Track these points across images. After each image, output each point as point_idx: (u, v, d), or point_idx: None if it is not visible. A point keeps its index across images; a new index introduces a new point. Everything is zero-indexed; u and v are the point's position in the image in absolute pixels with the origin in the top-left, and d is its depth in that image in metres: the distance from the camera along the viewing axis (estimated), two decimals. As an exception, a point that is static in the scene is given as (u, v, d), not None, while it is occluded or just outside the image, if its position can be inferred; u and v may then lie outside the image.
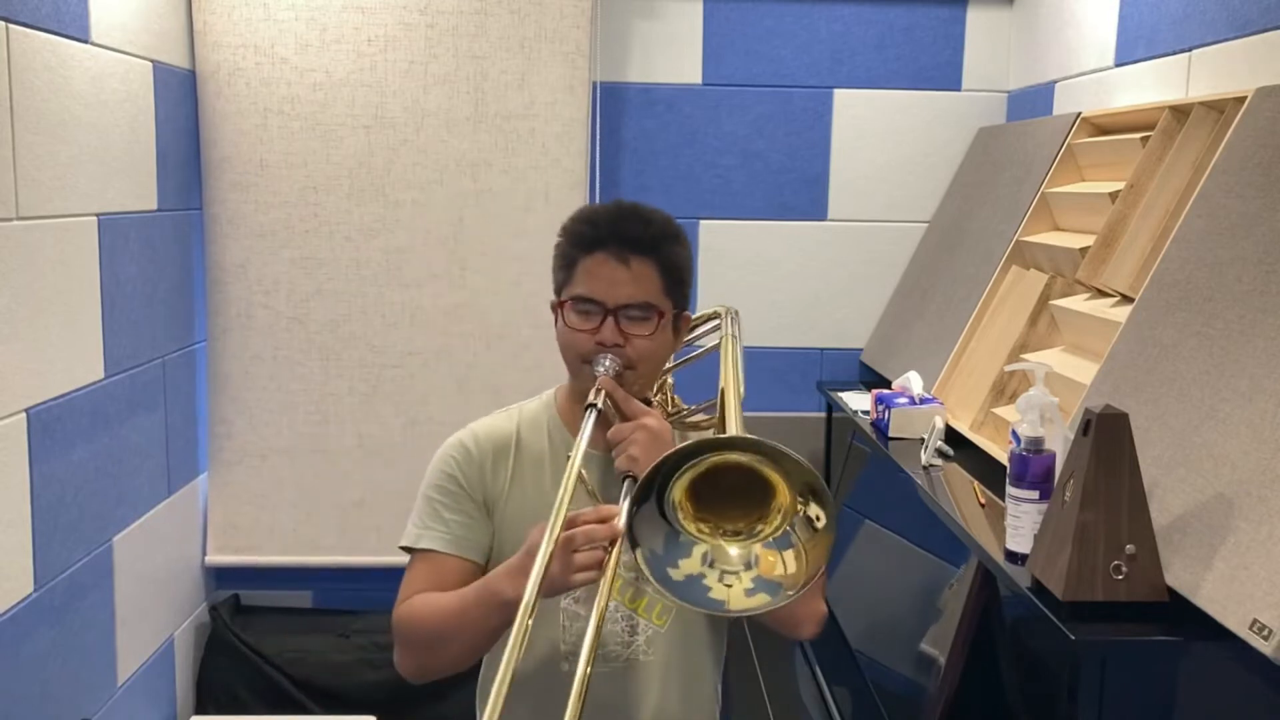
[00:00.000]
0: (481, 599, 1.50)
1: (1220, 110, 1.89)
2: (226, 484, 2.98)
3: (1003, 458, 1.91)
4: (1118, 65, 2.40)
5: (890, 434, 2.35)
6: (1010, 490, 1.60)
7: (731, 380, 1.62)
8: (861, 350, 3.18)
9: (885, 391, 2.45)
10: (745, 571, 1.32)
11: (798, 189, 3.14)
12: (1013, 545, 1.60)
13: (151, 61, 2.60)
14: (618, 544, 1.37)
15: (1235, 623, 1.30)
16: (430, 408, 3.00)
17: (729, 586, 1.31)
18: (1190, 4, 2.10)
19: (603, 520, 1.40)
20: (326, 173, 2.92)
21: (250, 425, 2.97)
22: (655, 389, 1.75)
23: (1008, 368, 2.15)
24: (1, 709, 1.99)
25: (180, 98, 2.79)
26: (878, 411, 2.42)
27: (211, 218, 2.91)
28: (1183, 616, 1.40)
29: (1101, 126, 2.38)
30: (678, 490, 1.31)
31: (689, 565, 1.31)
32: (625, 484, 1.47)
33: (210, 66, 2.86)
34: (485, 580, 1.53)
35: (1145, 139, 2.06)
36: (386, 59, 2.89)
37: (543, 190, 2.96)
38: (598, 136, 3.05)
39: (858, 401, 2.72)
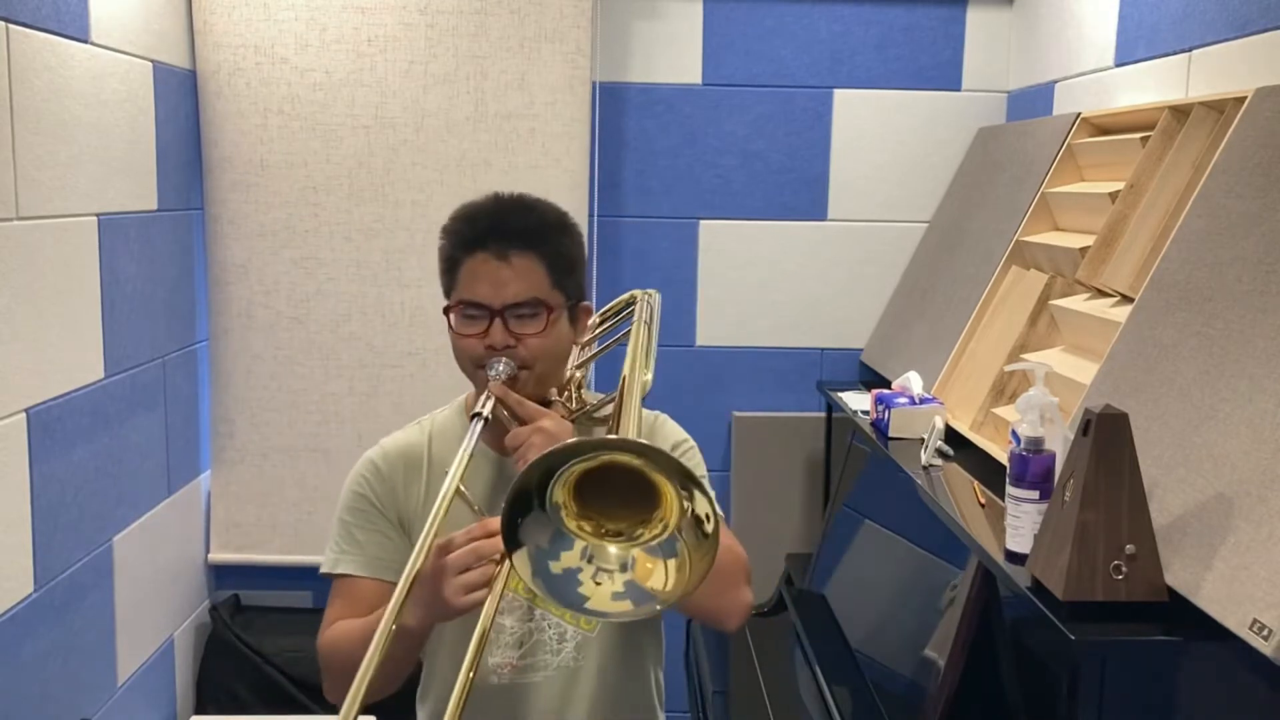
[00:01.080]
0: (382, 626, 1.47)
1: (1220, 110, 1.89)
2: (228, 483, 2.99)
3: (1003, 458, 1.91)
4: (1118, 65, 2.40)
5: (890, 434, 2.34)
6: (1010, 490, 1.60)
7: (634, 371, 1.55)
8: (861, 350, 3.18)
9: (885, 391, 2.45)
10: (619, 573, 1.27)
11: (798, 189, 3.14)
12: (1013, 545, 1.60)
13: (151, 61, 2.60)
14: (504, 558, 1.33)
15: (1235, 623, 1.30)
16: (430, 408, 2.97)
17: (598, 584, 1.27)
18: (1190, 4, 2.10)
19: (488, 534, 1.37)
20: (327, 173, 2.92)
21: (251, 424, 2.97)
22: (562, 385, 1.70)
23: (1008, 368, 2.15)
24: (1, 709, 1.99)
25: (180, 98, 2.79)
26: (878, 411, 2.42)
27: (212, 218, 2.92)
28: (1183, 616, 1.40)
29: (1101, 126, 2.38)
30: (560, 490, 1.26)
31: (569, 558, 1.27)
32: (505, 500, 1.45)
33: (210, 66, 2.86)
34: (379, 610, 1.48)
35: (1145, 139, 2.06)
36: (386, 59, 2.89)
37: (543, 190, 2.89)
38: (598, 136, 3.05)
39: (858, 401, 2.72)
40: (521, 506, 1.25)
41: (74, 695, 2.28)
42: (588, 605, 1.27)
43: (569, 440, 1.28)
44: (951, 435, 2.23)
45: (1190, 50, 2.10)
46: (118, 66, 2.41)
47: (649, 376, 1.60)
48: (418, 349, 2.98)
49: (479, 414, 1.49)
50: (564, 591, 1.27)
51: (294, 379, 2.97)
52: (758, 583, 3.11)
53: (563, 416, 1.60)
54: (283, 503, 3.00)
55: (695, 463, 1.71)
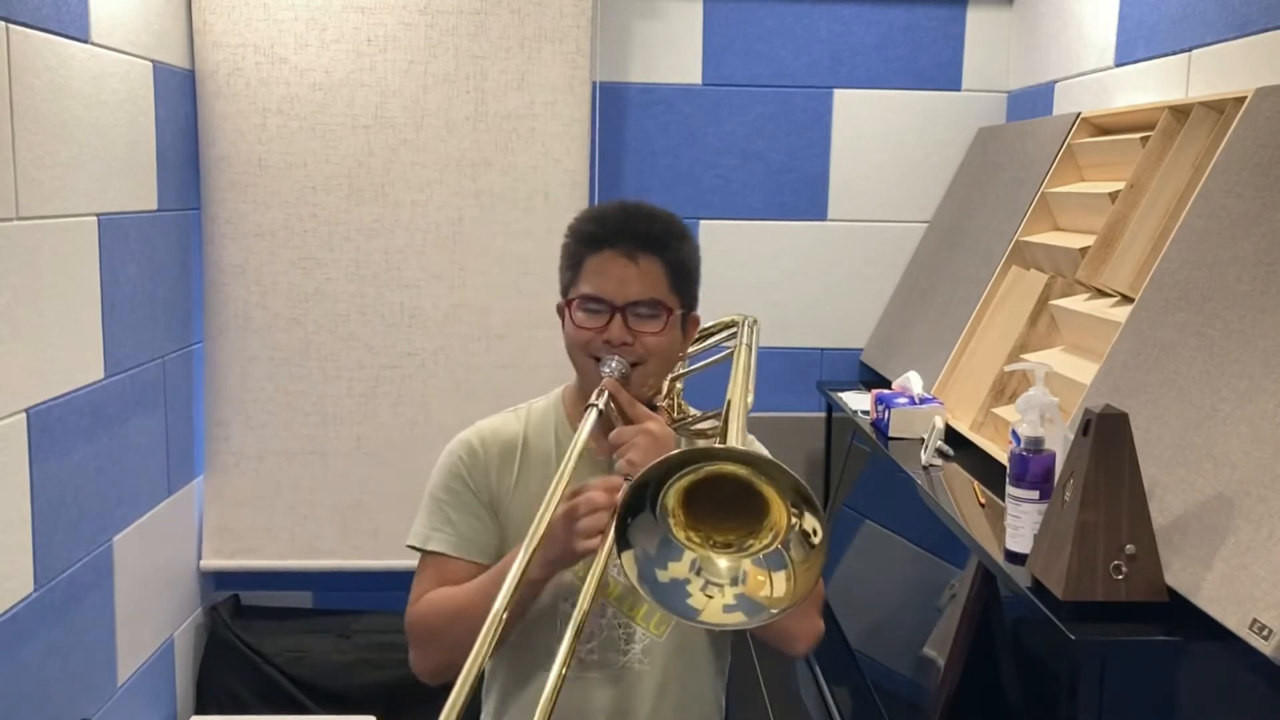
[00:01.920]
0: (497, 581, 1.46)
1: (1220, 110, 1.89)
2: (223, 487, 2.97)
3: (1003, 458, 1.91)
4: (1118, 65, 2.40)
5: (890, 434, 2.34)
6: (1010, 490, 1.60)
7: (739, 390, 1.61)
8: (861, 350, 3.18)
9: (885, 391, 2.45)
10: (730, 587, 1.30)
11: (798, 189, 3.14)
12: (1013, 545, 1.60)
13: (151, 61, 2.60)
14: (610, 534, 1.35)
15: (1235, 623, 1.30)
16: (429, 409, 3.00)
17: (710, 598, 1.30)
18: (1190, 4, 2.10)
19: (608, 490, 1.41)
20: (326, 173, 2.91)
21: (247, 427, 2.96)
22: (664, 393, 1.74)
23: (1008, 368, 2.15)
24: (1, 709, 1.99)
25: (180, 98, 2.79)
26: (878, 411, 2.42)
27: (210, 218, 2.91)
28: (1183, 616, 1.40)
29: (1101, 126, 2.38)
30: (671, 497, 1.30)
31: (677, 569, 1.30)
32: (624, 487, 1.47)
33: (210, 66, 2.85)
34: (500, 563, 1.53)
35: (1145, 139, 2.06)
36: (386, 59, 2.89)
37: (543, 190, 2.96)
38: (598, 136, 3.05)
39: (858, 401, 2.72)
40: (634, 507, 1.29)
41: (74, 695, 2.27)
42: (701, 617, 1.30)
43: (697, 446, 1.31)
44: (951, 435, 2.23)
45: (1190, 50, 2.10)
46: (118, 66, 2.41)
47: (751, 399, 1.65)
48: (416, 350, 2.98)
49: (594, 405, 1.52)
50: (673, 601, 1.30)
51: (291, 380, 2.96)
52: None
53: (666, 422, 1.61)
54: (279, 507, 2.99)
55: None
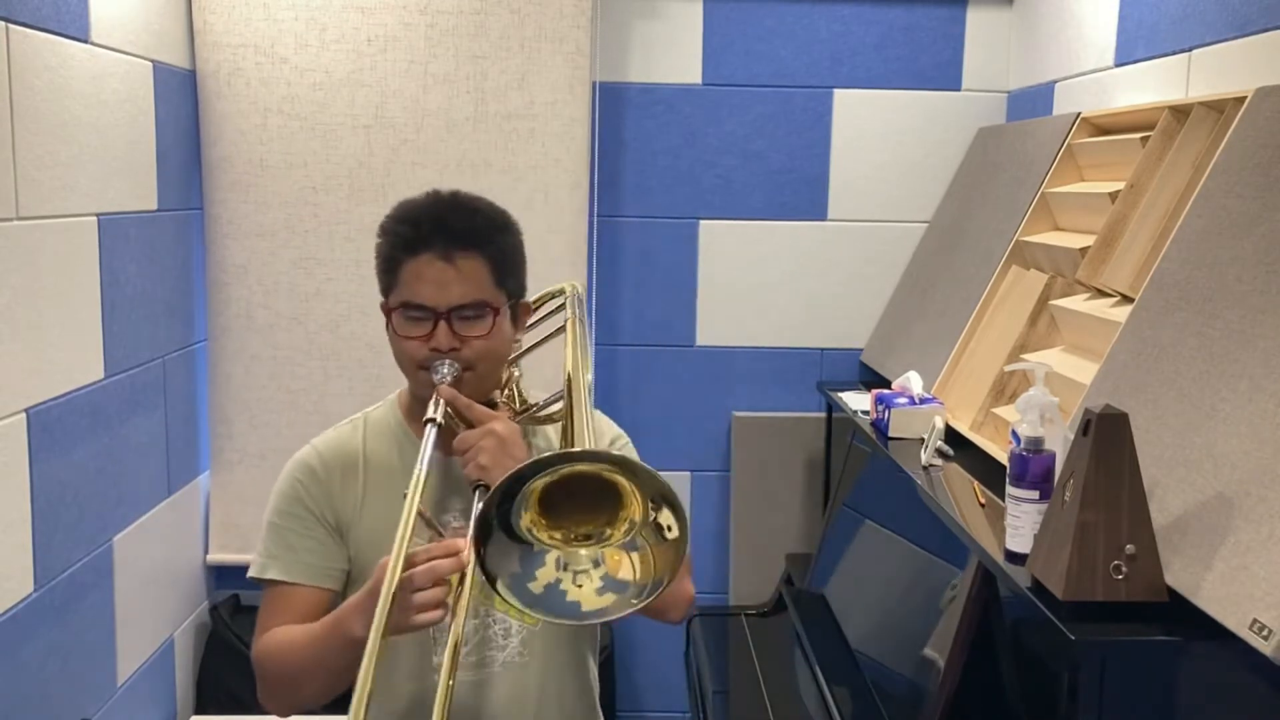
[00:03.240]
0: (331, 636, 1.45)
1: (1220, 110, 1.89)
2: (228, 483, 2.99)
3: (1003, 458, 1.91)
4: (1118, 65, 2.40)
5: (890, 434, 2.34)
6: (1010, 490, 1.60)
7: (578, 367, 1.55)
8: (861, 350, 3.18)
9: (885, 391, 2.45)
10: (594, 569, 1.29)
11: (798, 189, 3.14)
12: (1013, 545, 1.60)
13: (151, 61, 2.60)
14: (469, 574, 1.33)
15: (1235, 623, 1.30)
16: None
17: (580, 587, 1.29)
18: (1190, 4, 2.10)
19: (448, 554, 1.35)
20: (326, 173, 2.92)
21: (250, 425, 2.97)
22: (501, 384, 1.69)
23: (1008, 368, 2.15)
24: (1, 709, 1.99)
25: (180, 98, 2.79)
26: (878, 411, 2.42)
27: (211, 218, 2.92)
28: (1183, 616, 1.40)
29: (1101, 126, 2.38)
30: (527, 505, 1.27)
31: (545, 574, 1.29)
32: (476, 493, 1.43)
33: (210, 66, 2.86)
34: (335, 616, 1.47)
35: (1145, 139, 2.06)
36: (386, 59, 2.89)
37: (543, 190, 2.96)
38: (598, 136, 3.05)
39: (858, 401, 2.72)
40: (482, 535, 1.25)
41: (74, 695, 2.27)
42: (584, 610, 1.28)
43: (546, 455, 1.29)
44: (951, 435, 2.23)
45: (1190, 50, 2.10)
46: (118, 66, 2.41)
47: (589, 376, 1.59)
48: (418, 349, 2.98)
49: (432, 419, 1.47)
50: (556, 605, 1.28)
51: (293, 379, 2.97)
52: (758, 583, 3.13)
53: (509, 417, 1.58)
54: (282, 503, 3.00)
55: (631, 455, 1.70)
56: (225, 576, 3.09)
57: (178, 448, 2.81)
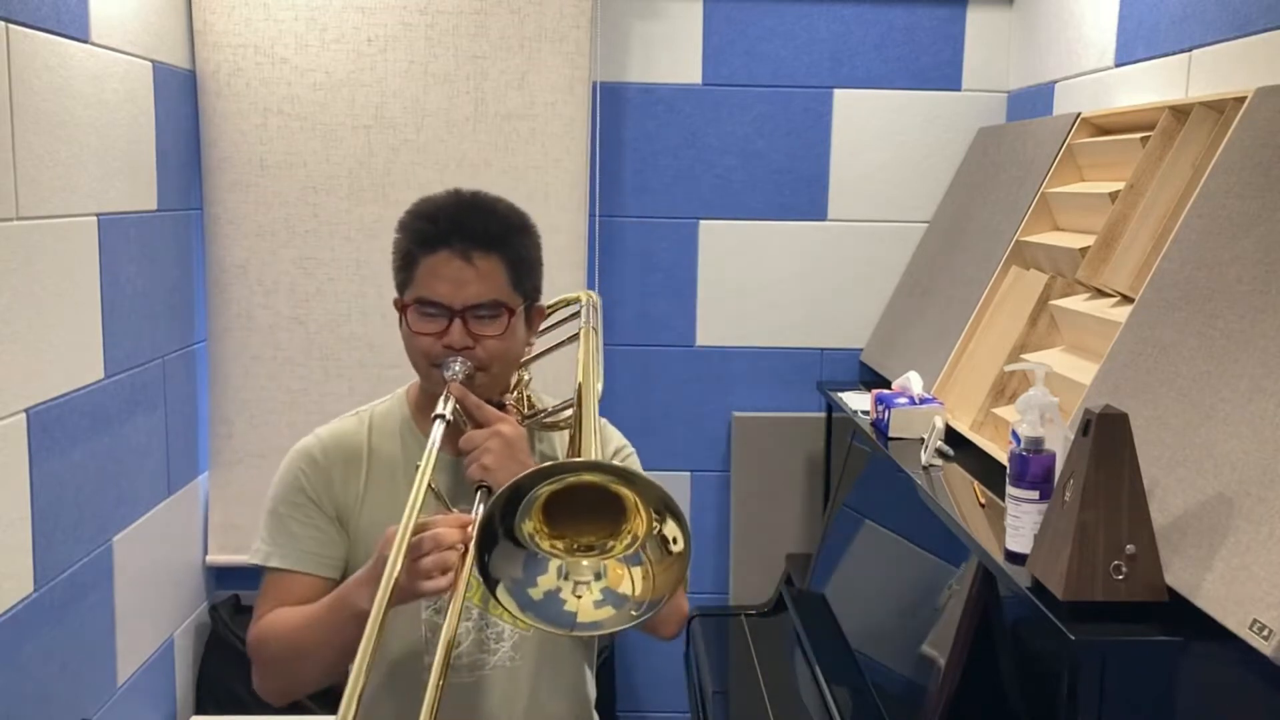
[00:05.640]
0: (335, 611, 1.45)
1: (1220, 110, 1.89)
2: (227, 484, 2.99)
3: (1003, 458, 1.91)
4: (1118, 65, 2.40)
5: (890, 434, 2.34)
6: (1010, 490, 1.60)
7: (589, 378, 1.55)
8: (861, 350, 3.18)
9: (885, 391, 2.45)
10: (595, 581, 1.29)
11: (798, 189, 3.14)
12: (1013, 545, 1.60)
13: (151, 61, 2.60)
14: (469, 551, 1.32)
15: (1235, 623, 1.30)
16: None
17: (579, 598, 1.29)
18: (1190, 4, 2.10)
19: (456, 525, 1.36)
20: (326, 173, 2.92)
21: (251, 425, 2.97)
22: (511, 387, 1.69)
23: (1008, 368, 2.15)
24: (1, 709, 1.99)
25: (180, 98, 2.79)
26: (878, 411, 2.42)
27: (211, 218, 2.92)
28: (1183, 616, 1.40)
29: (1101, 126, 2.38)
30: (530, 512, 1.27)
31: (546, 581, 1.28)
32: (479, 493, 1.43)
33: (210, 66, 2.86)
34: (338, 592, 1.47)
35: (1145, 139, 2.06)
36: (386, 59, 2.89)
37: (543, 190, 2.96)
38: (598, 136, 3.05)
39: (858, 401, 2.72)
40: (487, 542, 1.25)
41: (74, 695, 2.27)
42: (579, 620, 1.28)
43: (552, 463, 1.29)
44: (951, 435, 2.23)
45: (1190, 50, 2.10)
46: (118, 66, 2.41)
47: (600, 385, 1.59)
48: (418, 349, 2.98)
49: (441, 415, 1.47)
50: (552, 614, 1.28)
51: (293, 379, 2.97)
52: (758, 582, 3.12)
53: (516, 421, 1.58)
54: (282, 503, 3.00)
55: (635, 467, 1.70)
56: (225, 577, 3.09)
57: (178, 448, 2.81)
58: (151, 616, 2.68)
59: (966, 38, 3.10)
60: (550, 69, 2.92)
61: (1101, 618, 1.41)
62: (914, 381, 2.42)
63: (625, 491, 1.27)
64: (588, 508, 1.29)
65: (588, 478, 1.27)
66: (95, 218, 2.32)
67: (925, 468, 2.14)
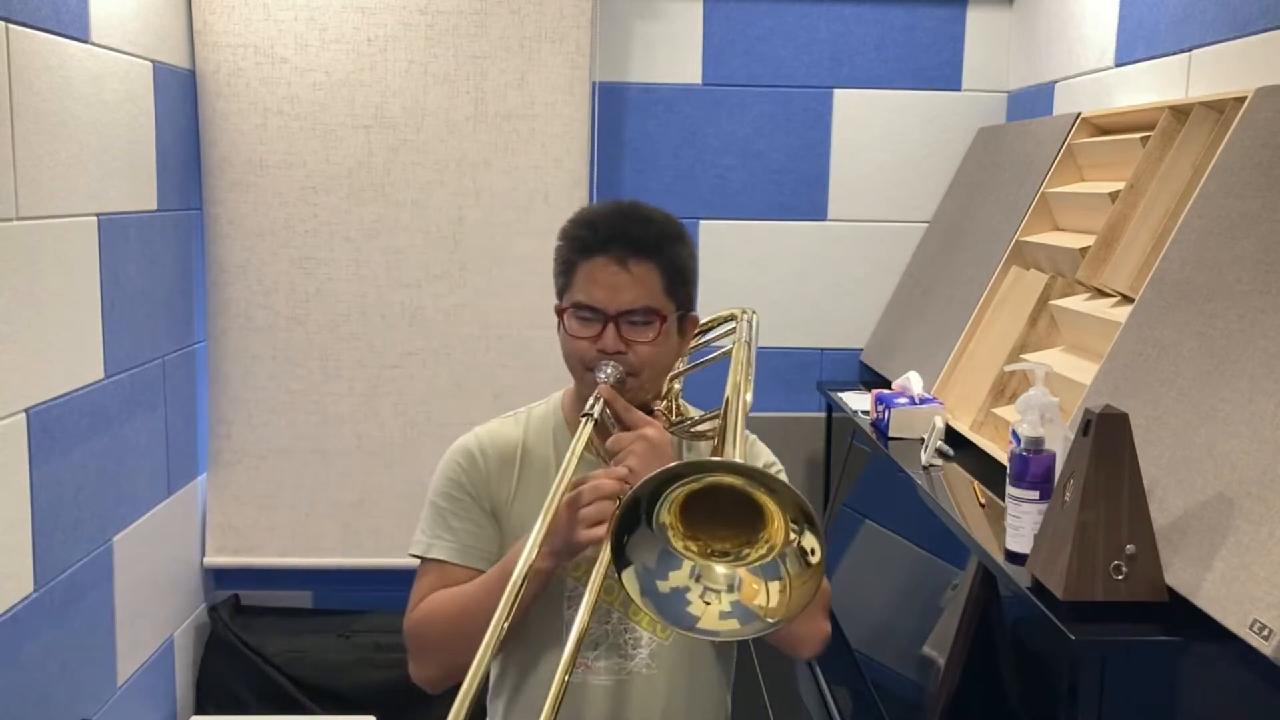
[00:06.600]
0: (502, 577, 1.46)
1: (1220, 110, 1.89)
2: (225, 485, 2.98)
3: (1003, 458, 1.91)
4: (1118, 65, 2.40)
5: (890, 434, 2.34)
6: (1010, 490, 1.60)
7: (738, 389, 1.58)
8: (861, 350, 3.18)
9: (885, 391, 2.45)
10: (726, 593, 1.30)
11: (798, 189, 3.14)
12: (1013, 545, 1.60)
13: (151, 61, 2.60)
14: (603, 554, 1.34)
15: (1235, 623, 1.30)
16: (430, 408, 3.00)
17: (707, 604, 1.29)
18: (1190, 4, 2.10)
19: (613, 477, 1.41)
20: (326, 173, 2.92)
21: (249, 426, 2.97)
22: (662, 395, 1.72)
23: (1008, 368, 2.15)
24: (1, 709, 1.99)
25: (180, 98, 2.79)
26: (878, 411, 2.42)
27: (211, 218, 2.91)
28: (1183, 616, 1.40)
29: (1101, 126, 2.38)
30: (669, 507, 1.29)
31: (678, 577, 1.30)
32: (617, 505, 1.45)
33: (210, 66, 2.86)
34: (505, 560, 1.52)
35: (1145, 139, 2.06)
36: (386, 59, 2.89)
37: (543, 190, 2.96)
38: (598, 136, 3.05)
39: (858, 401, 2.72)
40: (629, 523, 1.28)
41: (74, 695, 2.27)
42: (699, 625, 1.29)
43: (692, 459, 1.30)
44: (951, 435, 2.23)
45: (1190, 50, 2.10)
46: (118, 66, 2.41)
47: (749, 396, 1.61)
48: (418, 349, 2.98)
49: (589, 414, 1.50)
50: (674, 611, 1.29)
51: (293, 380, 2.97)
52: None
53: (664, 427, 1.59)
54: (280, 505, 3.00)
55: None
56: (225, 577, 3.09)
57: (178, 448, 2.81)
58: (151, 616, 2.68)
59: (966, 38, 3.10)
60: (550, 69, 2.92)
61: (1101, 618, 1.41)
62: (914, 381, 2.42)
63: (765, 499, 1.28)
64: (726, 514, 1.30)
65: (727, 479, 1.29)
66: (95, 218, 2.32)
67: (925, 468, 2.14)
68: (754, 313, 1.92)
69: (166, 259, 2.71)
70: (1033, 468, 1.57)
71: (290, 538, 3.01)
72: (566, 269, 1.61)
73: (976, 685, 1.79)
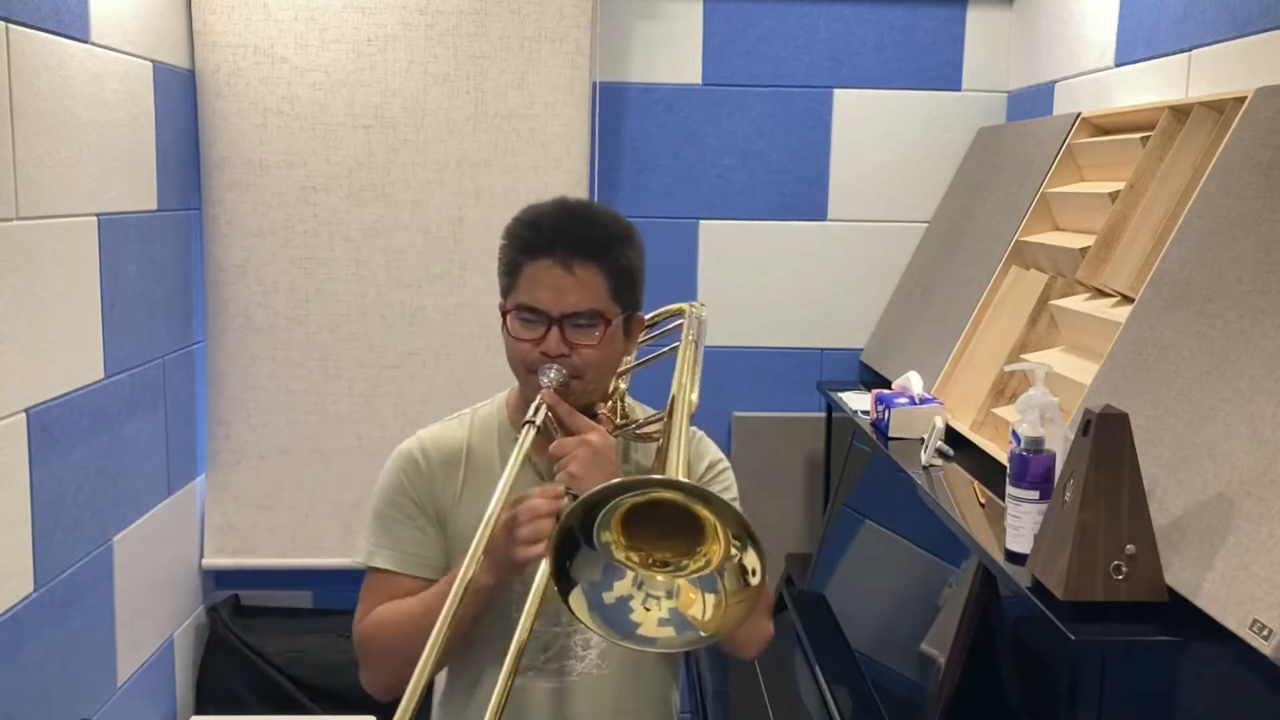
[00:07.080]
0: (443, 594, 1.44)
1: (1220, 110, 1.89)
2: (225, 485, 2.98)
3: (1003, 458, 1.91)
4: (1118, 65, 2.40)
5: (890, 434, 2.34)
6: (1010, 490, 1.60)
7: (683, 390, 1.56)
8: (861, 350, 3.18)
9: (885, 391, 2.45)
10: (666, 599, 1.29)
11: (798, 189, 3.14)
12: (1013, 545, 1.60)
13: (151, 61, 2.60)
14: (541, 572, 1.35)
15: (1235, 623, 1.30)
16: (430, 408, 2.99)
17: (648, 610, 1.29)
18: (1190, 4, 2.10)
19: (548, 497, 1.41)
20: (326, 173, 2.92)
21: (249, 426, 2.97)
22: (606, 395, 1.70)
23: (1008, 368, 2.15)
24: (1, 709, 1.99)
25: (180, 98, 2.79)
26: (878, 411, 2.42)
27: (211, 218, 2.91)
28: (1183, 616, 1.40)
29: (1101, 126, 2.38)
30: (610, 523, 1.28)
31: (622, 586, 1.30)
32: (564, 500, 1.44)
33: (210, 66, 2.86)
34: (448, 575, 1.51)
35: (1145, 139, 2.06)
36: (386, 59, 2.89)
37: (543, 190, 2.95)
38: (598, 136, 3.05)
39: (858, 401, 2.72)
40: (569, 547, 1.27)
41: (74, 695, 2.27)
42: (638, 632, 1.29)
43: (626, 479, 1.30)
44: (951, 435, 2.23)
45: (1190, 50, 2.10)
46: (118, 66, 2.41)
47: (695, 396, 1.59)
48: (417, 349, 2.98)
49: (530, 421, 1.49)
50: (617, 620, 1.29)
51: (293, 380, 2.97)
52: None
53: (608, 431, 1.59)
54: (280, 505, 3.00)
55: (728, 483, 1.71)
56: (224, 577, 3.09)
57: (178, 448, 2.81)
58: (151, 616, 2.68)
59: (966, 38, 3.10)
60: (550, 69, 2.92)
61: (1101, 618, 1.41)
62: (914, 381, 2.42)
63: (705, 513, 1.27)
64: (667, 524, 1.30)
65: (665, 495, 1.28)
66: (95, 218, 2.32)
67: (925, 468, 2.14)
68: (702, 306, 1.86)
69: (166, 259, 2.71)
70: (1033, 468, 1.57)
71: (290, 538, 3.01)
72: (511, 269, 1.58)
73: (976, 685, 1.79)
